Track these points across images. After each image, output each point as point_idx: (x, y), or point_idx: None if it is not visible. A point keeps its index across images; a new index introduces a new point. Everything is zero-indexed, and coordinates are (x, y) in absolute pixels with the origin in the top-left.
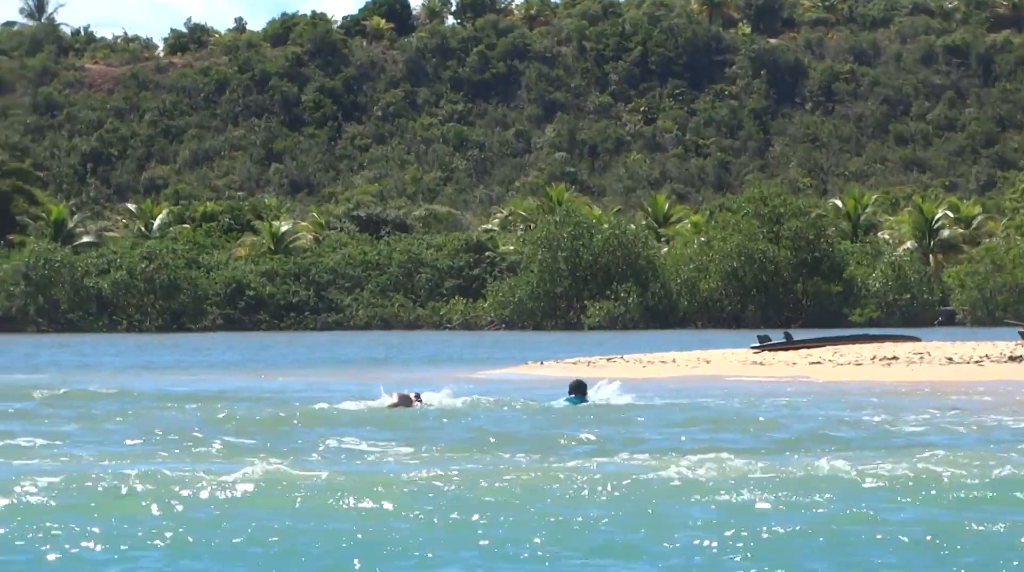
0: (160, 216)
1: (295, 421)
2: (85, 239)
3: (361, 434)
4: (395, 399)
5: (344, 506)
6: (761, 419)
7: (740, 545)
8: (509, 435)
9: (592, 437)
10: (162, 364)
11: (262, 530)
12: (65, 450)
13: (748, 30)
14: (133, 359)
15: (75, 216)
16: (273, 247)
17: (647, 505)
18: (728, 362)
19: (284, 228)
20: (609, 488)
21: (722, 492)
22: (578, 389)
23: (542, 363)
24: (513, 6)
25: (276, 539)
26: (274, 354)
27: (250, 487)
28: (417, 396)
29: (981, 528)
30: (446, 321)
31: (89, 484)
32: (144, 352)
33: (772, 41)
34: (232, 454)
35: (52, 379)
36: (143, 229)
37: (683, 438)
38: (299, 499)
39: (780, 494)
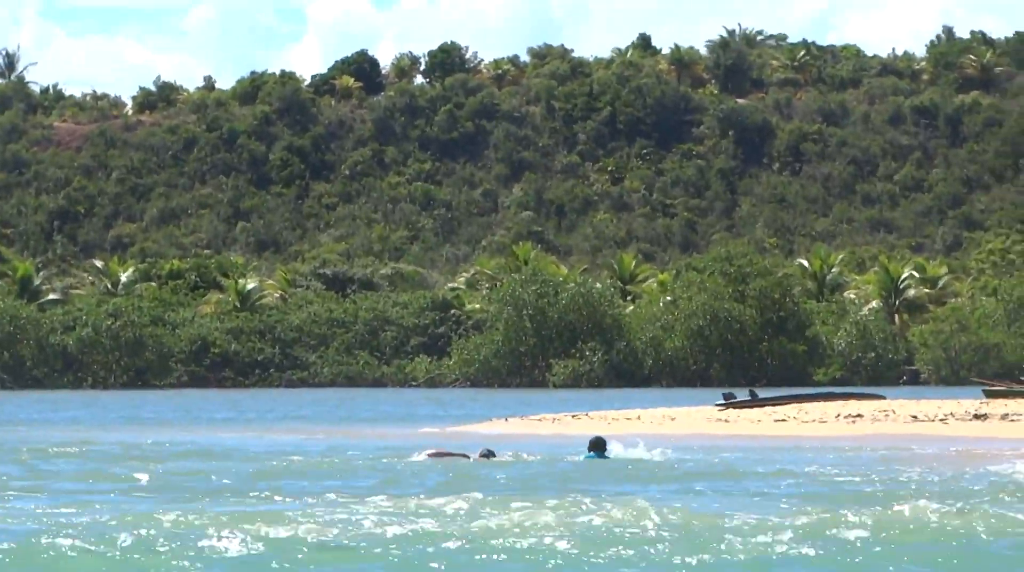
0: (126, 274)
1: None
2: (51, 296)
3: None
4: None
5: None
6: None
7: None
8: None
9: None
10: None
11: None
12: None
13: (716, 90)
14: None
15: (41, 273)
16: (239, 305)
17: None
18: (693, 419)
19: (250, 286)
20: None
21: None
22: (597, 445)
23: (507, 420)
24: (482, 66)
25: None
26: (242, 410)
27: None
28: (490, 452)
29: None
30: (411, 379)
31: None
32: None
33: (740, 101)
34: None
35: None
36: (109, 287)
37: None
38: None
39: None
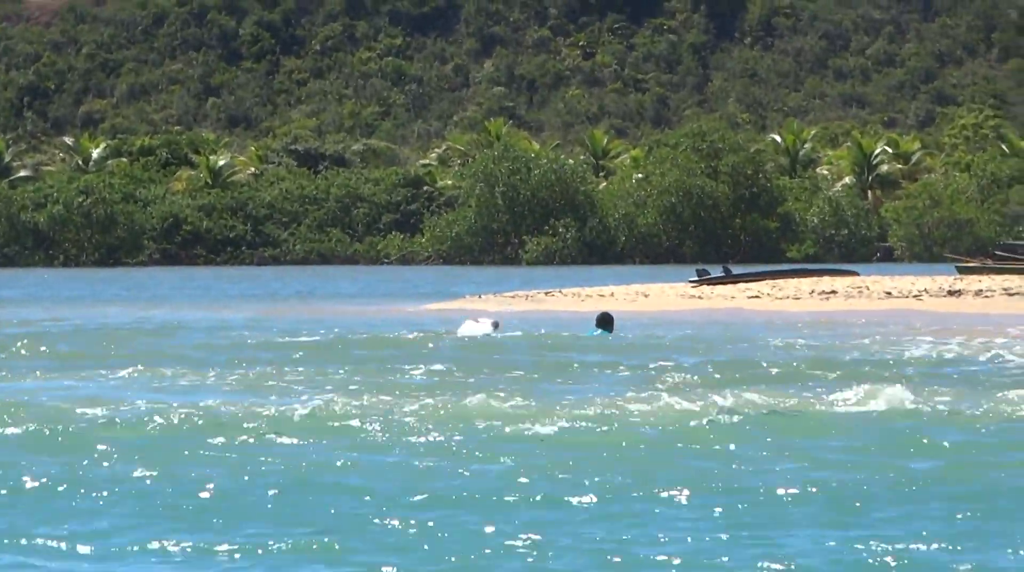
0: (97, 150)
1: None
2: (22, 173)
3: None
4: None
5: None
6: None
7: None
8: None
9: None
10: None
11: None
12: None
13: None
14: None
15: (11, 150)
16: (210, 182)
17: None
18: (667, 296)
19: (222, 162)
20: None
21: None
22: (605, 322)
23: (480, 297)
24: None
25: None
26: (208, 287)
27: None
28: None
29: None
30: (384, 256)
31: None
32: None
33: None
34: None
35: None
36: (80, 163)
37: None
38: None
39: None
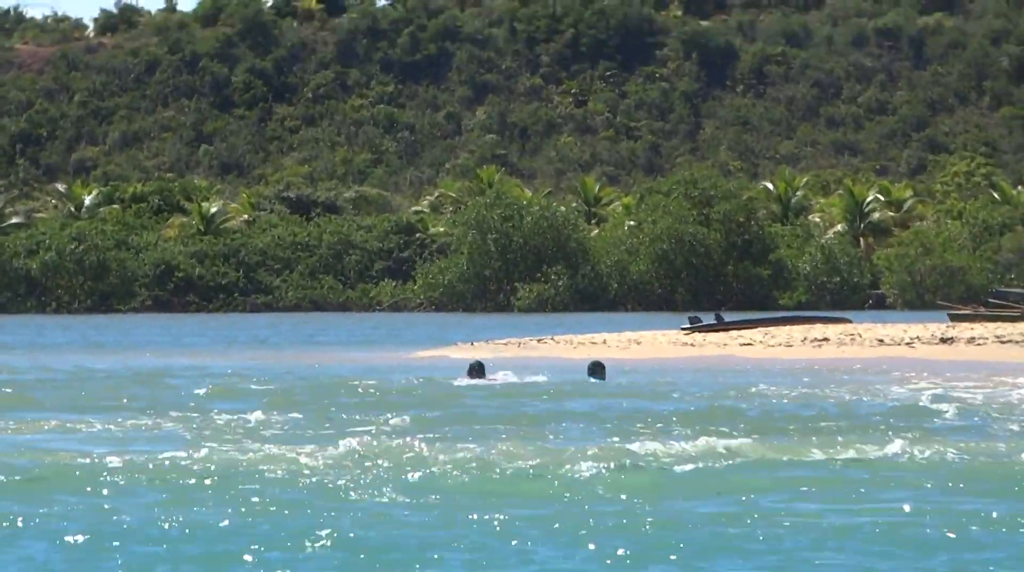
0: (89, 197)
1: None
2: (14, 220)
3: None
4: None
5: None
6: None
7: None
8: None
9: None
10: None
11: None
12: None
13: (680, 12)
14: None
15: (3, 196)
16: (203, 228)
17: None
18: (659, 344)
19: (214, 209)
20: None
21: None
22: (596, 369)
23: (472, 344)
24: None
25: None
26: (198, 335)
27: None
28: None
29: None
30: (376, 303)
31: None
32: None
33: (703, 23)
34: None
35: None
36: (72, 210)
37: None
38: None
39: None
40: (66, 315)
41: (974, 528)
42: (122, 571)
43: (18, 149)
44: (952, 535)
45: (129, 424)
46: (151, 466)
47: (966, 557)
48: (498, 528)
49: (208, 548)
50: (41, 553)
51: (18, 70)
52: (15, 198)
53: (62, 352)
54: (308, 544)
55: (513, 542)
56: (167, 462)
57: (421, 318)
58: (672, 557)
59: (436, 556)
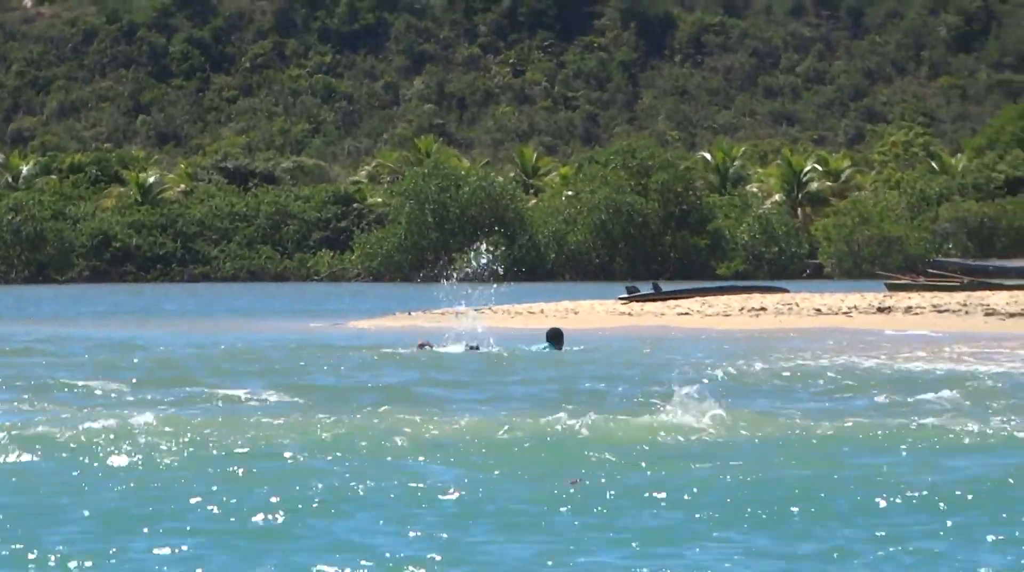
0: (27, 167)
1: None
2: None
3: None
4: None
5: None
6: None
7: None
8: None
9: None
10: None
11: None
12: None
13: None
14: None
15: None
16: (140, 199)
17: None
18: (596, 313)
19: (151, 179)
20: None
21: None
22: (555, 337)
23: (410, 313)
24: None
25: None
26: (146, 304)
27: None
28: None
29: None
30: (313, 273)
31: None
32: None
33: None
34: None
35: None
36: (10, 180)
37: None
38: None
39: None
40: (3, 286)
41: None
42: None
43: None
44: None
45: None
46: None
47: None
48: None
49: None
50: None
51: None
52: None
53: None
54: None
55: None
56: None
57: (358, 288)
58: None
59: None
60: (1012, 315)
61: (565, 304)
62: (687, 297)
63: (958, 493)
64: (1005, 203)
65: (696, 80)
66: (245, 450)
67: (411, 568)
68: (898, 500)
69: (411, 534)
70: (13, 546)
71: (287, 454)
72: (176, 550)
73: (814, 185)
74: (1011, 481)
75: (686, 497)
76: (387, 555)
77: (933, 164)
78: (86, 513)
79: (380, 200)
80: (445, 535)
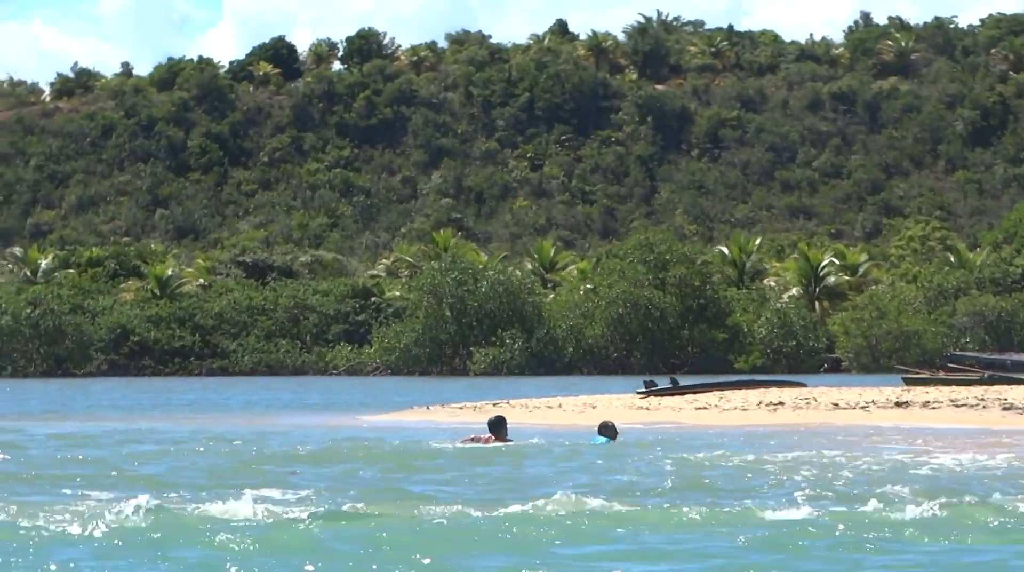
0: (45, 261)
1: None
2: None
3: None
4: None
5: None
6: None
7: None
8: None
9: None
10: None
11: None
12: None
13: (635, 76)
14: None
15: None
16: (158, 292)
17: None
18: (614, 407)
19: (169, 273)
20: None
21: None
22: (607, 430)
23: (428, 408)
24: (399, 52)
25: None
26: (160, 399)
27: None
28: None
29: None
30: (332, 367)
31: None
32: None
33: (659, 87)
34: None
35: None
36: (28, 274)
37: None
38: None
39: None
40: (22, 379)
41: None
42: None
43: None
44: None
45: None
46: None
47: None
48: None
49: None
50: None
51: None
52: None
53: None
54: None
55: None
56: None
57: (376, 382)
58: None
59: None
60: None
61: (583, 398)
62: (705, 391)
63: None
64: (1022, 297)
65: (713, 174)
66: None
67: None
68: None
69: None
70: None
71: None
72: None
73: (831, 279)
74: None
75: None
76: None
77: (950, 257)
78: None
79: (398, 294)
80: None
